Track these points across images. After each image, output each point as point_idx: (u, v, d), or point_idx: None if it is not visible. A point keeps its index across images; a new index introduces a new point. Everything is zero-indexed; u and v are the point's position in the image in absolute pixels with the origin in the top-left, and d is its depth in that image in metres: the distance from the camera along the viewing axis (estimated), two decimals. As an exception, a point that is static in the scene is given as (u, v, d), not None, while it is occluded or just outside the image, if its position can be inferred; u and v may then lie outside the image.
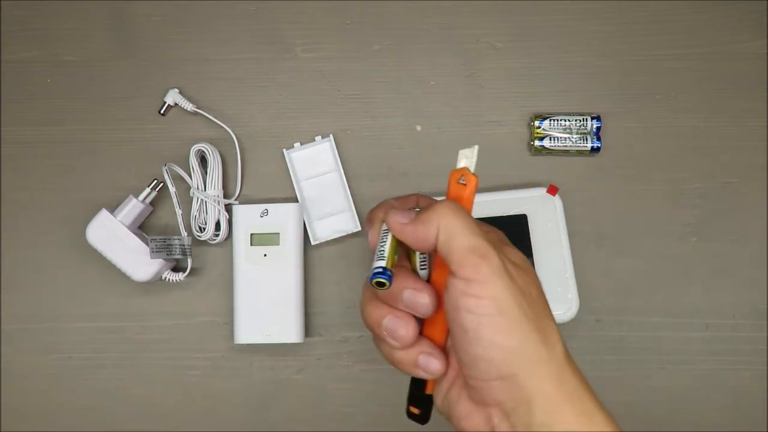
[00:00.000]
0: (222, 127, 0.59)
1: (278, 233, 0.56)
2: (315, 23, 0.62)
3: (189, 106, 0.59)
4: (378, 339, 0.36)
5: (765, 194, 0.59)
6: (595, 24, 0.61)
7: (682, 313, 0.58)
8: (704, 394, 0.57)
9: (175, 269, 0.59)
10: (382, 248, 0.36)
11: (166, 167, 0.56)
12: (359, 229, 0.58)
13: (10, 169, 0.61)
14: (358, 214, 0.58)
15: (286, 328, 0.56)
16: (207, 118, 0.60)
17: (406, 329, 0.34)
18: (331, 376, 0.59)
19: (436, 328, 0.36)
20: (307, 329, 0.58)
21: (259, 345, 0.58)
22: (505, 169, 0.60)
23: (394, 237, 0.36)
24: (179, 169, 0.57)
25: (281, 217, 0.56)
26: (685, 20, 0.61)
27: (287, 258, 0.56)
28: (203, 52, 0.62)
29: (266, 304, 0.56)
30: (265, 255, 0.55)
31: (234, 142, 0.59)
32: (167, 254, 0.56)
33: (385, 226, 0.36)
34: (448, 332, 0.35)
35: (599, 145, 0.59)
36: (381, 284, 0.34)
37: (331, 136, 0.59)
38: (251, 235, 0.56)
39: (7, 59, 0.62)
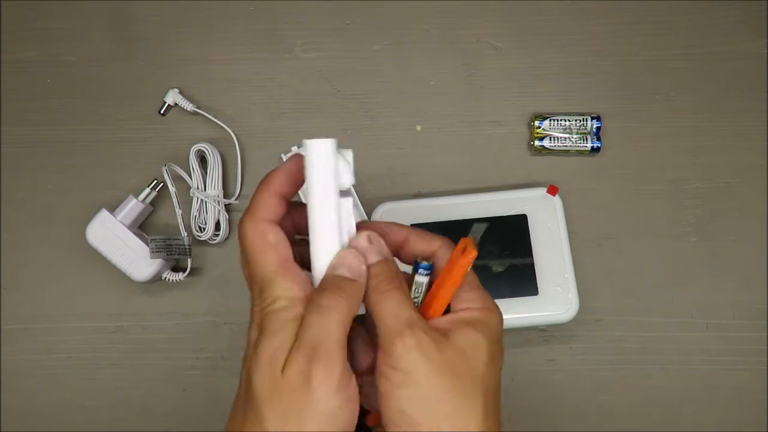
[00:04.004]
0: (222, 127, 0.59)
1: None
2: (315, 23, 0.62)
3: (189, 106, 0.60)
4: None
5: (765, 194, 0.59)
6: (595, 24, 0.61)
7: (682, 313, 0.58)
8: (704, 394, 0.57)
9: (175, 269, 0.59)
10: None
11: (166, 167, 0.56)
12: (366, 219, 0.58)
13: (10, 169, 0.61)
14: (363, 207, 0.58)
15: None
16: (207, 118, 0.60)
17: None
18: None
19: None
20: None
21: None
22: (505, 169, 0.60)
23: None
24: (179, 169, 0.57)
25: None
26: (685, 20, 0.61)
27: None
28: (203, 52, 0.61)
29: None
30: None
31: (234, 142, 0.59)
32: (167, 254, 0.56)
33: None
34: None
35: (599, 145, 0.59)
36: None
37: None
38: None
39: (7, 59, 0.62)
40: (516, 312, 0.55)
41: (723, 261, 0.58)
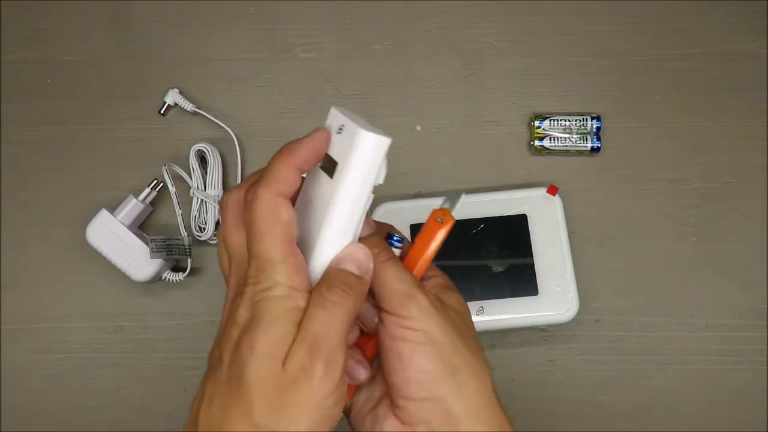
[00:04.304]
0: (222, 127, 0.59)
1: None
2: (315, 23, 0.62)
3: (189, 106, 0.60)
4: None
5: (765, 194, 0.59)
6: (595, 24, 0.61)
7: (682, 313, 0.58)
8: (704, 394, 0.57)
9: (175, 269, 0.59)
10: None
11: (166, 167, 0.56)
12: None
13: (10, 169, 0.61)
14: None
15: None
16: (207, 118, 0.60)
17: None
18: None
19: (372, 342, 0.35)
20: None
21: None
22: (505, 169, 0.60)
23: None
24: (179, 169, 0.57)
25: None
26: (685, 20, 0.61)
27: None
28: (203, 52, 0.61)
29: None
30: None
31: (234, 142, 0.59)
32: (167, 254, 0.56)
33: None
34: (377, 350, 0.35)
35: (599, 145, 0.59)
36: None
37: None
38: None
39: (7, 59, 0.62)
40: (516, 312, 0.55)
41: (723, 261, 0.58)
